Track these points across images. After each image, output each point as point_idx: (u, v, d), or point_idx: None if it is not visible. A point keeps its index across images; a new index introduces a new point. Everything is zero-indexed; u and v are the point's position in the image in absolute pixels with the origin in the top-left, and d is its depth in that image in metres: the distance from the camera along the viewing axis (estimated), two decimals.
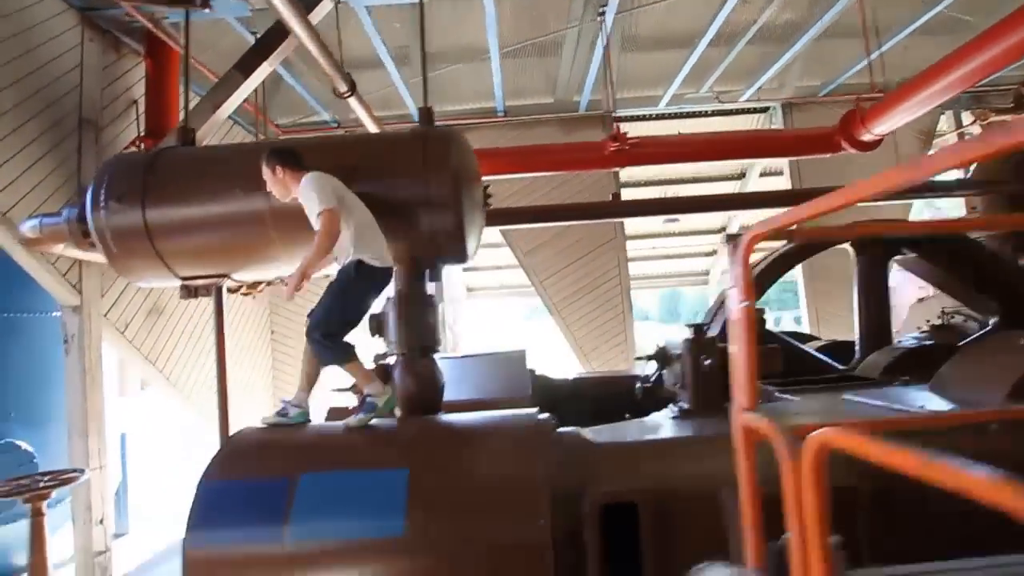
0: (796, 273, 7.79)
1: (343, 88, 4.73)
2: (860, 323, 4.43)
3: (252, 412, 7.39)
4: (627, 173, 8.95)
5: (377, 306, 3.77)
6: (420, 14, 4.12)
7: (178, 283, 3.54)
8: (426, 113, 3.62)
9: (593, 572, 2.20)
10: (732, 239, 1.56)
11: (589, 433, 2.66)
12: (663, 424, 2.95)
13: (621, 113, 7.99)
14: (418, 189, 3.10)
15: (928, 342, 4.19)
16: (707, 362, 3.01)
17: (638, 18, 6.65)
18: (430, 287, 3.51)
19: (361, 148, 3.41)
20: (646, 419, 3.14)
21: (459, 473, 2.37)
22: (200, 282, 3.52)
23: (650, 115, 8.30)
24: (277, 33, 4.66)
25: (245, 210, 3.19)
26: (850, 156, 6.58)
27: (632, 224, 9.25)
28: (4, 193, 4.12)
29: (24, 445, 4.71)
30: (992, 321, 4.19)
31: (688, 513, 2.31)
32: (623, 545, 2.31)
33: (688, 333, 3.19)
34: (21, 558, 5.02)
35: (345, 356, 2.86)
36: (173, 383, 5.79)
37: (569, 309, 7.89)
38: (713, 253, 11.80)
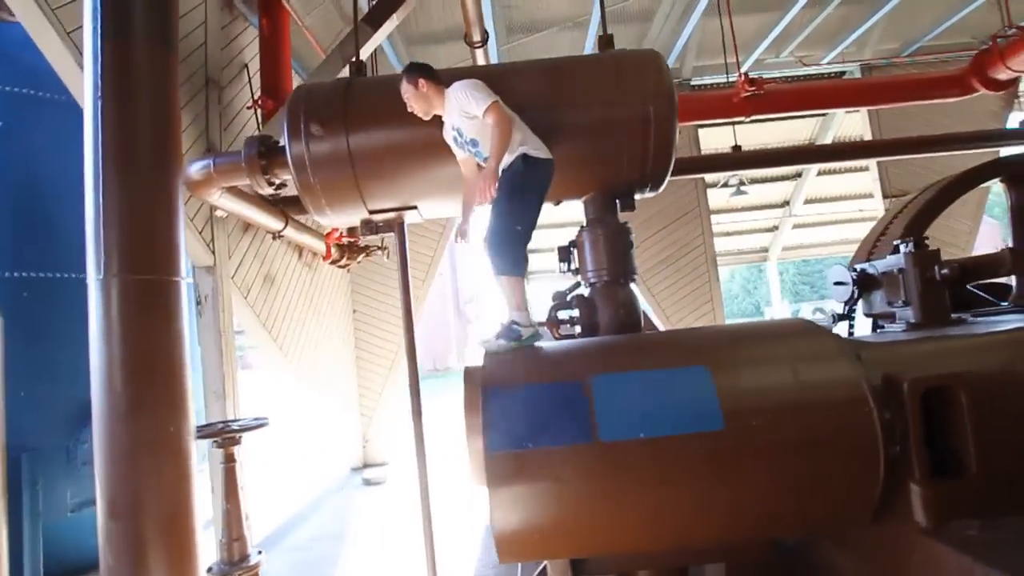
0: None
1: (477, 37, 4.66)
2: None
3: (343, 388, 7.26)
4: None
5: (562, 238, 3.69)
6: None
7: (360, 218, 3.43)
8: (607, 40, 3.56)
9: (917, 455, 2.09)
10: None
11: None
12: (909, 333, 2.86)
13: (698, 81, 7.97)
14: (639, 110, 3.01)
15: None
16: (943, 272, 2.93)
17: None
18: (622, 216, 3.44)
19: (568, 71, 3.29)
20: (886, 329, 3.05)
21: (763, 368, 2.27)
22: (385, 216, 3.41)
23: (724, 83, 8.26)
24: None
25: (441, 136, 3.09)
26: (932, 114, 6.61)
27: None
28: None
29: None
30: None
31: (1005, 400, 2.22)
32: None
33: (908, 248, 3.11)
34: None
35: (518, 267, 2.68)
36: (284, 353, 5.66)
37: (655, 279, 7.80)
38: (774, 229, 11.71)
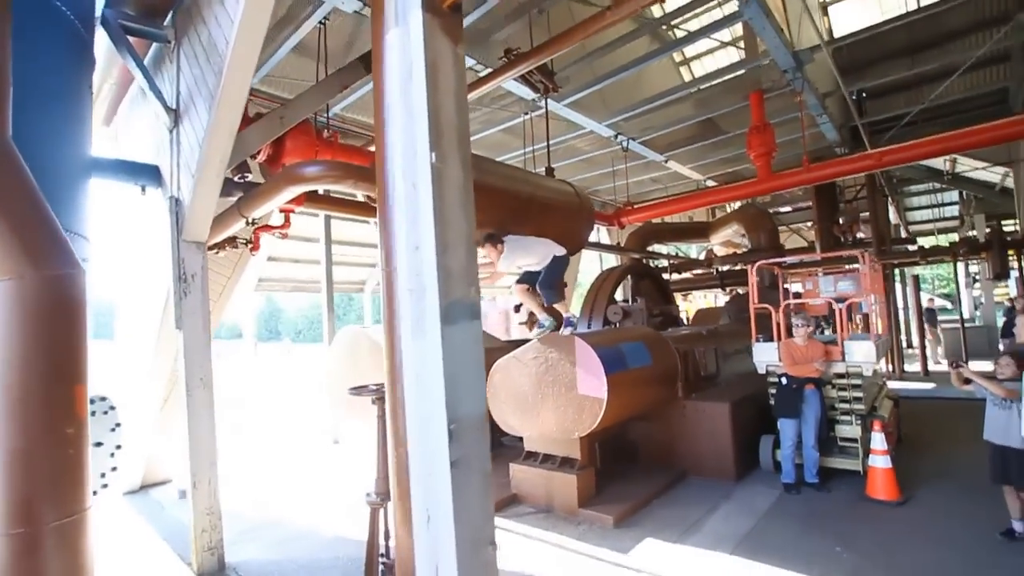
0: None
1: None
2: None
3: None
4: None
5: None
6: None
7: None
8: (550, 171, 6.52)
9: (680, 372, 6.08)
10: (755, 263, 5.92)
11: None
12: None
13: None
14: (584, 216, 6.15)
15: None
16: (656, 312, 7.28)
17: None
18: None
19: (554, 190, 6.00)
20: None
21: (651, 343, 5.81)
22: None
23: None
24: None
25: (524, 191, 5.33)
26: None
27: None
28: None
29: None
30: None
31: (693, 353, 6.50)
32: None
33: (639, 302, 7.42)
34: None
35: (551, 300, 5.54)
36: None
37: None
38: (373, 265, 12.41)
